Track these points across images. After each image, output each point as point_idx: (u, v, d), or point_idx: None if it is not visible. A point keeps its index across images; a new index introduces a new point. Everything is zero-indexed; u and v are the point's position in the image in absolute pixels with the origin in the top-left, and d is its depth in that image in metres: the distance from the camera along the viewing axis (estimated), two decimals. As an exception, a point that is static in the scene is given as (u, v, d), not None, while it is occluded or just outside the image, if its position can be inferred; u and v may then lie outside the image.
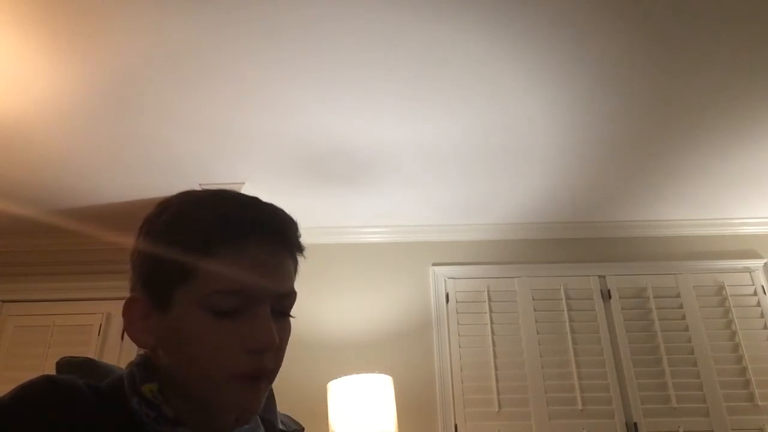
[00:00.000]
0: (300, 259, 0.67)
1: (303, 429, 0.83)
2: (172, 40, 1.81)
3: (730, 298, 2.83)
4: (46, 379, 0.58)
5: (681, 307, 2.82)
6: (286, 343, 0.64)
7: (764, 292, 2.86)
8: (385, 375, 2.35)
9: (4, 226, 2.87)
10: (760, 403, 2.59)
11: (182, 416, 0.60)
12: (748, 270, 2.92)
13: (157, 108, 2.11)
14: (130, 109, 2.12)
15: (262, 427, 0.70)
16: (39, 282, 2.89)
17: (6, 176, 2.49)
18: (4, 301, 2.87)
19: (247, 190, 2.60)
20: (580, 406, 2.59)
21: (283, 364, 0.64)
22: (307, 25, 1.76)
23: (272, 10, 1.70)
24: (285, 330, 0.64)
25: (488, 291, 2.85)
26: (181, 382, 0.61)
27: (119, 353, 2.73)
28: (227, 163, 2.44)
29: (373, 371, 2.37)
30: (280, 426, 0.74)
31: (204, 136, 2.27)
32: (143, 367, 0.63)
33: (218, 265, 0.59)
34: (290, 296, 0.64)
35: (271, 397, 0.74)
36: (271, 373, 0.61)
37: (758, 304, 2.83)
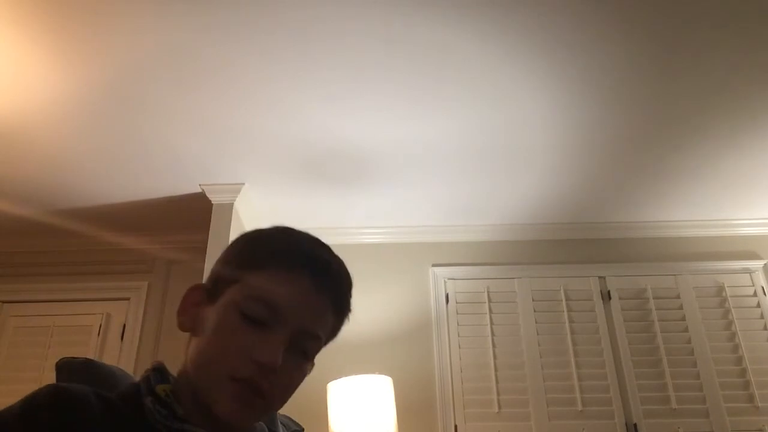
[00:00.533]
0: (345, 320, 0.69)
1: (303, 430, 0.83)
2: (173, 41, 1.81)
3: (729, 299, 2.83)
4: (55, 389, 0.58)
5: (681, 308, 2.82)
6: (296, 384, 0.64)
7: (764, 293, 2.86)
8: (385, 375, 2.35)
9: (4, 226, 2.87)
10: (760, 404, 2.59)
11: (191, 417, 0.61)
12: (747, 271, 2.92)
13: (157, 108, 2.11)
14: (130, 110, 2.12)
15: None
16: (39, 282, 2.90)
17: (6, 176, 2.49)
18: (4, 302, 2.87)
19: (247, 190, 2.60)
20: (580, 407, 2.59)
21: None
22: (308, 26, 1.76)
23: (273, 10, 1.70)
24: (297, 369, 0.64)
25: (488, 292, 2.85)
26: (191, 378, 0.63)
27: (119, 353, 2.74)
28: (227, 163, 2.44)
29: (373, 372, 2.36)
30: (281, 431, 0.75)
31: (204, 136, 2.27)
32: (158, 372, 0.65)
33: (266, 275, 0.64)
34: (315, 338, 0.65)
35: None
36: (267, 395, 0.61)
37: (758, 305, 2.83)
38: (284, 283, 0.63)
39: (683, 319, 2.79)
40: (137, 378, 0.66)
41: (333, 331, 0.68)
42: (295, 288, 0.63)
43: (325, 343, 0.67)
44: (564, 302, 2.82)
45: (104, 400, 0.60)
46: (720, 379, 2.65)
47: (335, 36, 1.80)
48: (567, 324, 2.77)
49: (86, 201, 2.69)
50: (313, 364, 0.67)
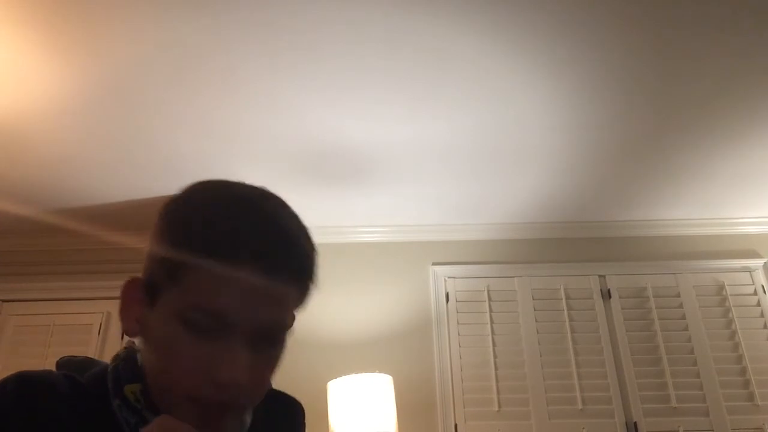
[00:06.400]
0: (313, 287, 0.60)
1: (295, 405, 0.78)
2: (172, 40, 1.81)
3: (730, 297, 2.83)
4: (19, 376, 0.57)
5: (681, 306, 2.82)
6: (270, 376, 0.58)
7: (764, 292, 2.85)
8: (385, 375, 2.35)
9: (4, 226, 2.87)
10: (759, 403, 2.59)
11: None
12: (748, 270, 2.92)
13: (156, 108, 2.11)
14: (129, 109, 2.12)
15: None
16: (39, 282, 2.89)
17: (6, 176, 2.49)
18: (4, 301, 2.87)
19: (247, 189, 2.59)
20: (580, 406, 2.59)
21: (283, 363, 0.61)
22: (308, 27, 1.76)
23: (273, 11, 1.70)
24: (269, 362, 0.58)
25: (488, 291, 2.85)
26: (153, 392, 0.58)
27: (119, 353, 2.73)
28: (227, 163, 2.44)
29: (373, 371, 2.37)
30: None
31: (203, 135, 2.27)
32: (128, 363, 0.61)
33: (204, 280, 0.54)
34: (280, 327, 0.57)
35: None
36: (237, 406, 0.56)
37: (758, 304, 2.83)
38: (228, 284, 0.53)
39: (683, 317, 2.79)
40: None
41: (301, 302, 0.60)
42: (242, 286, 0.53)
43: (294, 318, 0.59)
44: (564, 301, 2.82)
45: (75, 384, 0.59)
46: (720, 377, 2.65)
47: (336, 37, 1.80)
48: (567, 323, 2.77)
49: (86, 201, 2.69)
50: (293, 318, 0.58)
